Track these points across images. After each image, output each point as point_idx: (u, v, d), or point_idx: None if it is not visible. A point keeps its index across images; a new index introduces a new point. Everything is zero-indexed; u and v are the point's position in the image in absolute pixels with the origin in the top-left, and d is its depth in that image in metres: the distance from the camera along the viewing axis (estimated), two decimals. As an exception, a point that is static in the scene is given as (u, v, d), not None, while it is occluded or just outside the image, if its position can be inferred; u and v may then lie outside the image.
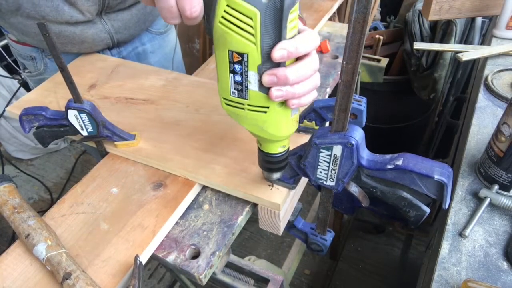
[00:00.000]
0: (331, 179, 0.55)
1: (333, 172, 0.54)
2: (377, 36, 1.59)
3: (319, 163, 0.54)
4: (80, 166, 2.42)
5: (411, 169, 0.48)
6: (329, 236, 0.73)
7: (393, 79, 1.81)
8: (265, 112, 0.48)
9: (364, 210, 1.96)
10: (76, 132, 0.73)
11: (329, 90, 0.96)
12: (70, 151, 2.53)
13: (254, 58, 0.43)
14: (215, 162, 0.72)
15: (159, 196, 0.69)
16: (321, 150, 0.52)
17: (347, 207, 0.89)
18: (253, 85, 0.46)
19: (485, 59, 1.06)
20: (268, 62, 0.44)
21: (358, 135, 0.50)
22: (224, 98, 0.50)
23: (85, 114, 0.69)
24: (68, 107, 0.69)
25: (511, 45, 1.07)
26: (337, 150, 0.51)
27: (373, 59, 1.29)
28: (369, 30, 1.91)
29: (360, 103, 0.66)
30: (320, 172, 0.55)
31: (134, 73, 0.98)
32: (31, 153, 2.44)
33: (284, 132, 0.52)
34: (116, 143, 0.76)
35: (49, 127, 0.73)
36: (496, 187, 0.70)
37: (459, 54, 1.07)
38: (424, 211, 0.53)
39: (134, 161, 0.77)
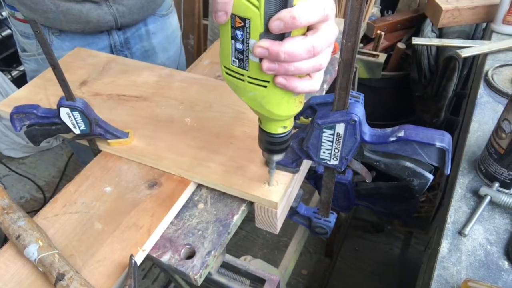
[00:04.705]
0: (334, 158, 0.56)
1: (336, 151, 0.55)
2: (378, 31, 1.58)
3: (322, 143, 0.55)
4: (72, 165, 2.39)
5: (413, 139, 0.50)
6: (332, 218, 0.74)
7: (391, 75, 1.79)
8: (265, 87, 0.45)
9: (363, 209, 1.95)
10: (68, 130, 0.71)
11: (326, 87, 0.94)
12: (62, 149, 2.50)
13: (257, 25, 0.40)
14: (210, 160, 0.70)
15: (154, 195, 0.68)
16: (324, 130, 0.53)
17: (343, 205, 0.89)
18: (254, 56, 0.43)
19: (485, 54, 1.05)
20: (271, 33, 0.40)
21: (359, 111, 0.51)
22: (224, 67, 0.46)
23: (77, 112, 0.68)
24: (60, 105, 0.67)
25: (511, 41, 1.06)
26: (340, 128, 0.52)
27: (371, 55, 1.28)
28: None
29: (357, 99, 0.66)
30: (324, 152, 0.56)
31: (126, 69, 0.96)
32: (22, 152, 2.41)
33: (285, 111, 0.48)
34: (109, 141, 0.74)
35: (40, 125, 0.72)
36: (496, 184, 0.69)
37: (459, 51, 1.06)
38: (427, 178, 0.55)
39: (128, 159, 0.75)
